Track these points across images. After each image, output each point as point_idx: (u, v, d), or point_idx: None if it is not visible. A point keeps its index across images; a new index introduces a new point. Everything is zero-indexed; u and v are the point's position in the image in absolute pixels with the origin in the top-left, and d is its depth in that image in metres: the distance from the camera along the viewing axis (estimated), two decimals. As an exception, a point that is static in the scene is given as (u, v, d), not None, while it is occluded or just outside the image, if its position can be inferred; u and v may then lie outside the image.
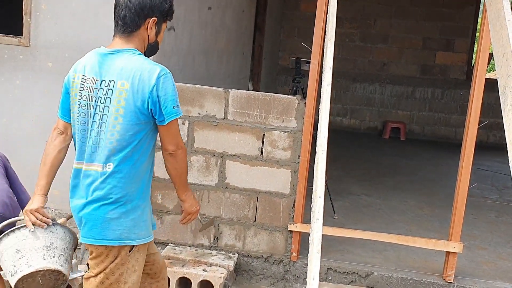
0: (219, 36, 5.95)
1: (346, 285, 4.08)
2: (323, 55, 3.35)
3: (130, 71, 2.39)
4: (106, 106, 2.41)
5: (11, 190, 3.21)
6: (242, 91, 4.21)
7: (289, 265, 4.23)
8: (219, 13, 5.78)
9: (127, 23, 2.44)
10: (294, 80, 5.60)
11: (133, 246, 2.51)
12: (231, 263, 4.02)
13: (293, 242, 4.20)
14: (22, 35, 4.33)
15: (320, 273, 3.12)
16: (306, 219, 3.83)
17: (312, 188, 2.81)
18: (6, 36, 4.38)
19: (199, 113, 4.19)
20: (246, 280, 4.25)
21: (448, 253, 4.05)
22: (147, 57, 2.50)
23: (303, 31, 10.06)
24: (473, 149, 3.87)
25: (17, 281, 2.58)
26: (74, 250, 2.84)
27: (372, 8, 10.00)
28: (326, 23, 3.58)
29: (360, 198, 5.99)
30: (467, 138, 3.87)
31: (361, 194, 6.14)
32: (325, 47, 3.36)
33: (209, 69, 5.70)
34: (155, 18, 2.47)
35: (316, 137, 2.96)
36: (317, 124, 3.00)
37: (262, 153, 4.15)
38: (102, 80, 2.43)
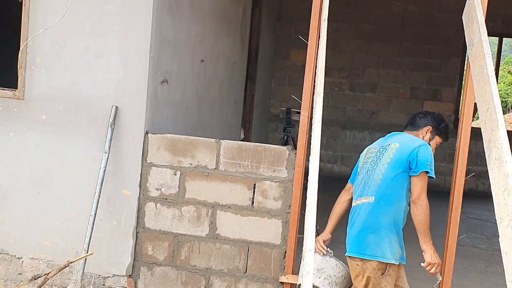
0: (212, 86, 6.05)
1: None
2: (313, 107, 3.44)
3: (403, 139, 3.42)
4: (379, 158, 3.37)
5: None
6: (233, 141, 4.27)
7: (280, 317, 4.21)
8: (211, 65, 5.89)
9: (413, 125, 3.60)
10: (285, 130, 5.71)
11: (387, 263, 3.28)
12: (222, 315, 4.00)
13: (284, 293, 4.19)
14: (16, 88, 4.40)
15: (311, 326, 3.12)
16: (298, 270, 3.83)
17: (303, 238, 2.83)
18: (1, 89, 4.43)
19: (190, 164, 4.24)
20: (237, 332, 4.20)
21: (438, 304, 4.04)
22: None
23: (293, 79, 10.24)
24: (461, 201, 3.92)
25: (298, 285, 3.34)
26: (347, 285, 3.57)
27: (360, 59, 10.20)
28: (315, 77, 3.67)
29: (351, 247, 5.97)
30: (455, 189, 3.93)
31: (352, 243, 6.11)
32: (314, 100, 3.45)
33: (201, 119, 5.78)
34: (430, 127, 3.54)
35: (307, 186, 3.02)
36: (308, 173, 3.07)
37: (253, 203, 4.19)
38: (381, 146, 3.46)
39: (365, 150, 3.59)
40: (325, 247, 3.60)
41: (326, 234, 3.66)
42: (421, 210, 3.22)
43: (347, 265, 3.53)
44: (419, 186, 3.24)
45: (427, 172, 3.26)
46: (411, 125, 3.62)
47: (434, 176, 3.31)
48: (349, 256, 3.40)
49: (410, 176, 3.26)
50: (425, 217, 3.24)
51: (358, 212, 3.36)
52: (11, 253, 4.50)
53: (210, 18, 5.69)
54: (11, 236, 4.48)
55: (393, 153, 3.32)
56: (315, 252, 3.44)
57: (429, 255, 3.28)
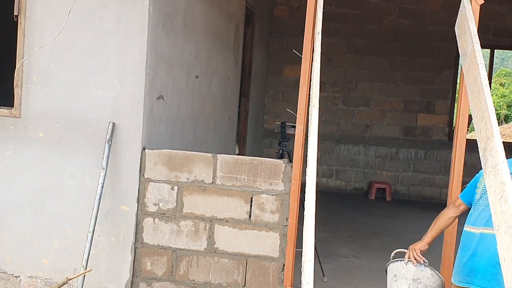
0: (206, 102, 6.08)
1: None
2: (308, 120, 3.46)
3: None
4: None
5: None
6: (230, 155, 4.29)
7: (280, 330, 4.20)
8: (206, 81, 5.93)
9: None
10: (280, 144, 5.71)
11: None
12: (221, 330, 3.99)
13: (284, 306, 4.19)
14: (13, 106, 4.41)
15: (311, 338, 3.11)
16: (296, 282, 3.84)
17: (301, 251, 2.84)
18: (-2, 108, 4.46)
19: (187, 178, 4.25)
20: None
21: (438, 314, 4.04)
22: None
23: (286, 95, 10.30)
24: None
25: None
26: None
27: (353, 73, 10.28)
28: (310, 90, 3.70)
29: (348, 260, 5.99)
30: (451, 200, 3.95)
31: (349, 256, 6.14)
32: (309, 113, 3.48)
33: (196, 135, 5.80)
34: None
35: (304, 199, 3.03)
36: (304, 186, 3.08)
37: (250, 216, 4.20)
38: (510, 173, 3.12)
39: None
40: (422, 256, 3.46)
41: (424, 245, 3.52)
42: None
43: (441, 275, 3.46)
44: None
45: None
46: None
47: None
48: None
49: None
50: None
51: (487, 243, 3.13)
52: (8, 271, 4.48)
53: (204, 36, 5.73)
54: (8, 254, 4.46)
55: None
56: (409, 261, 3.44)
57: None
